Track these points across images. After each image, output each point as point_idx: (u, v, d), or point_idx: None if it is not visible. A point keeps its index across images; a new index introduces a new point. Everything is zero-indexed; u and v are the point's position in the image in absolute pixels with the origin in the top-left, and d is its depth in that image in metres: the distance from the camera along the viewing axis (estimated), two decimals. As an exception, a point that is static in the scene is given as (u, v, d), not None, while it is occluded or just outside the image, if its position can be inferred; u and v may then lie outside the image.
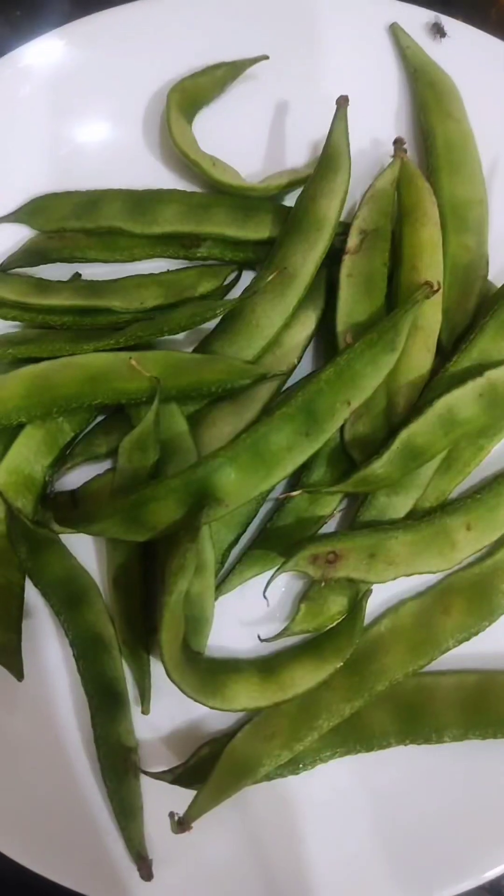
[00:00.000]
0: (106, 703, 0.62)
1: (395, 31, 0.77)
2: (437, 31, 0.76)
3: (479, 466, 0.68)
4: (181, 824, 0.57)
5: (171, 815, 0.57)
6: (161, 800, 0.59)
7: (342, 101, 0.69)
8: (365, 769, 0.63)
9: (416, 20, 0.76)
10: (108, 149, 0.75)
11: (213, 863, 0.61)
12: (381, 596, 0.65)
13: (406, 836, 0.61)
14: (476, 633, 0.64)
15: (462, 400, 0.63)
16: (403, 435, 0.62)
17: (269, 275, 0.65)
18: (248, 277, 0.71)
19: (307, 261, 0.66)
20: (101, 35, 0.76)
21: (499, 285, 0.70)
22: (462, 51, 0.76)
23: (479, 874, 0.61)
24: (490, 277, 0.71)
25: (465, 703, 0.63)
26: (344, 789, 0.62)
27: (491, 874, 0.61)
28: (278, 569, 0.61)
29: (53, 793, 0.61)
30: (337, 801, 0.62)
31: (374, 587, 0.63)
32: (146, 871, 0.59)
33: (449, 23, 0.76)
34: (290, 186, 0.72)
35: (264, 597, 0.62)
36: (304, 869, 0.60)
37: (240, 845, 0.61)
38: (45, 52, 0.75)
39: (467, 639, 0.63)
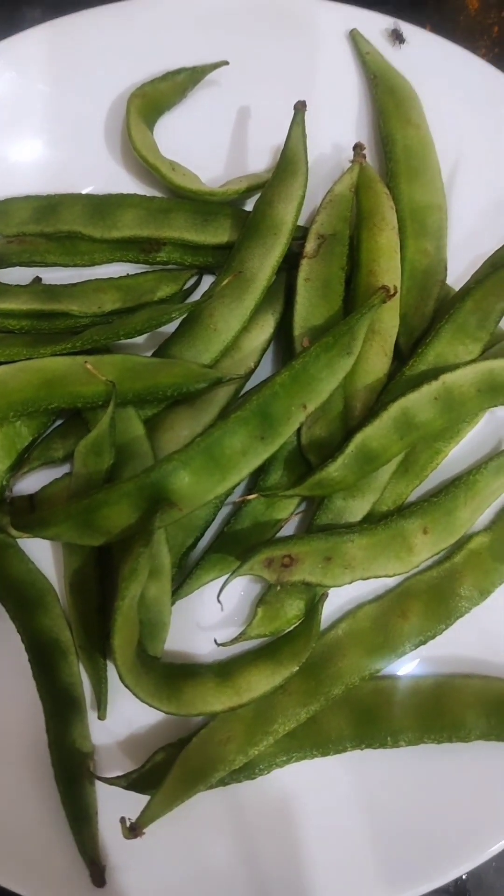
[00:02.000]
0: (61, 708, 0.62)
1: (354, 37, 0.77)
2: (397, 37, 0.76)
3: (437, 470, 0.68)
4: (133, 830, 0.56)
5: (123, 820, 0.57)
6: (119, 806, 0.58)
7: (300, 106, 0.69)
8: (317, 772, 0.62)
9: (376, 26, 0.77)
10: (69, 154, 0.75)
11: (168, 869, 0.60)
12: (338, 600, 0.66)
13: (372, 838, 0.62)
14: (433, 637, 0.64)
15: (417, 403, 0.63)
16: (358, 438, 0.62)
17: (225, 278, 0.65)
18: (207, 282, 0.71)
19: (264, 265, 0.66)
20: (64, 39, 0.76)
21: (457, 290, 0.71)
22: (421, 57, 0.77)
23: (441, 876, 0.61)
24: (449, 282, 0.72)
25: (421, 707, 0.63)
26: (296, 793, 0.62)
27: (453, 875, 0.61)
28: (232, 573, 0.61)
29: (5, 797, 0.61)
30: (290, 806, 0.62)
31: (332, 591, 0.64)
32: (98, 877, 0.58)
33: (408, 29, 0.77)
34: (249, 191, 0.72)
35: (218, 601, 0.62)
36: (256, 875, 0.60)
37: (194, 851, 0.61)
38: (8, 54, 0.75)
39: (424, 642, 0.64)
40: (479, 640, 0.65)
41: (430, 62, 0.77)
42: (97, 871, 0.58)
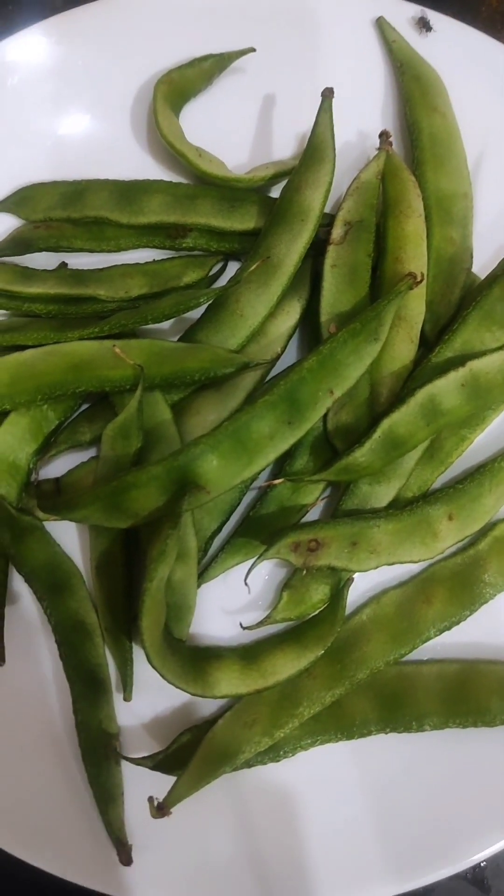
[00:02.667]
0: (88, 690, 0.62)
1: (381, 25, 0.77)
2: (424, 25, 0.76)
3: (463, 457, 0.68)
4: (160, 809, 0.57)
5: (151, 799, 0.57)
6: (144, 786, 0.59)
7: (327, 93, 0.69)
8: (350, 756, 0.63)
9: (403, 14, 0.77)
10: (96, 140, 0.75)
11: (195, 849, 0.61)
12: (363, 585, 0.66)
13: (391, 822, 0.62)
14: (458, 623, 0.64)
15: (444, 390, 0.63)
16: (385, 424, 0.62)
17: (252, 264, 0.65)
18: (233, 268, 0.72)
19: (291, 251, 0.66)
20: (90, 27, 0.76)
21: (483, 277, 0.70)
22: (448, 45, 0.77)
23: (460, 861, 0.61)
24: (475, 270, 0.72)
25: (446, 691, 0.63)
26: (326, 776, 0.63)
27: (472, 860, 0.61)
28: (259, 556, 0.61)
29: (34, 777, 0.62)
30: (322, 788, 0.62)
31: (357, 576, 0.64)
32: (125, 856, 0.59)
33: (435, 17, 0.77)
34: (275, 178, 0.72)
35: (245, 584, 0.62)
36: (285, 854, 0.61)
37: (221, 832, 0.61)
38: (34, 44, 0.76)
39: (449, 628, 0.64)
40: (503, 626, 0.66)
41: (457, 51, 0.77)
42: (124, 850, 0.59)
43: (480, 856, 0.61)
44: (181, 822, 0.59)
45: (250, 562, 0.63)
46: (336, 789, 0.63)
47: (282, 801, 0.62)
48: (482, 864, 0.71)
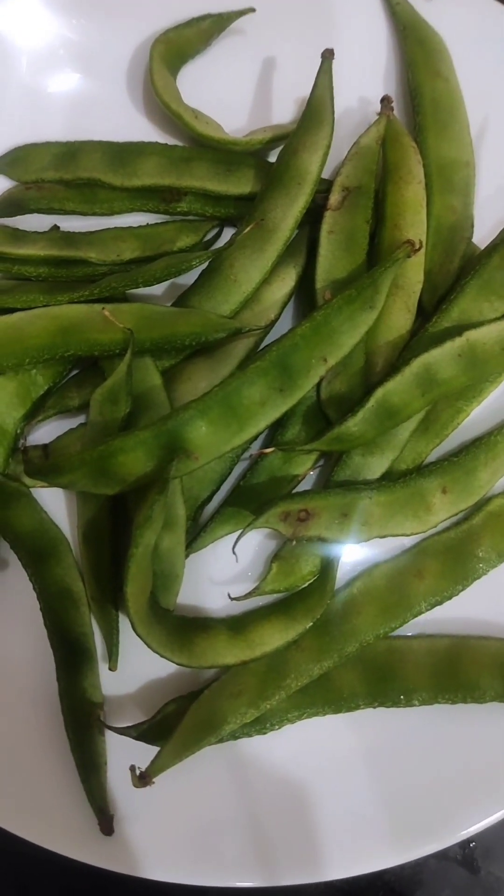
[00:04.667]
0: (72, 658, 0.61)
1: (385, -12, 0.76)
2: (428, -13, 0.75)
3: (458, 430, 0.67)
4: (142, 779, 0.56)
5: (133, 768, 0.56)
6: (131, 758, 0.58)
7: (327, 54, 0.68)
8: (337, 730, 0.62)
9: (407, -24, 0.75)
10: (89, 100, 0.74)
11: (179, 821, 0.60)
12: (354, 558, 0.65)
13: (379, 796, 0.61)
14: (449, 598, 0.63)
15: (440, 360, 0.62)
16: (379, 393, 0.61)
17: (247, 227, 0.64)
18: (229, 234, 0.70)
19: (287, 215, 0.64)
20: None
21: (483, 248, 0.69)
22: (452, 9, 0.75)
23: (450, 836, 0.60)
24: (476, 240, 0.70)
25: (436, 667, 0.62)
26: (304, 750, 0.62)
27: (462, 835, 0.61)
28: (248, 525, 0.60)
29: (17, 745, 0.61)
30: (308, 760, 0.62)
31: (347, 549, 0.63)
32: (106, 826, 0.58)
33: (440, -20, 0.75)
34: (273, 141, 0.71)
35: (233, 553, 0.61)
36: (269, 826, 0.60)
37: (206, 803, 0.61)
38: (28, 1, 0.74)
39: (440, 603, 0.63)
40: (495, 602, 0.65)
41: (462, 16, 0.75)
42: (105, 819, 0.58)
43: (469, 831, 0.60)
44: (165, 794, 0.59)
45: (240, 532, 0.62)
46: (322, 763, 0.62)
47: (268, 773, 0.62)
48: (472, 846, 0.70)
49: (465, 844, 0.70)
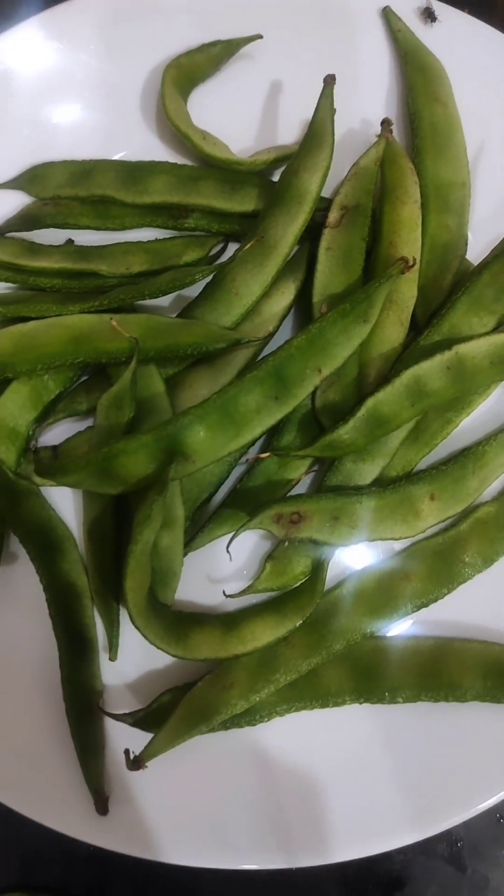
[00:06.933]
0: (75, 647, 0.65)
1: (387, 15, 0.78)
2: (429, 15, 0.78)
3: (448, 440, 0.69)
4: (135, 762, 0.59)
5: (127, 752, 0.59)
6: (128, 745, 0.61)
7: (329, 80, 0.71)
8: (324, 724, 0.65)
9: (408, 4, 0.78)
10: (105, 121, 0.78)
11: (172, 805, 0.63)
12: (344, 559, 0.68)
13: (363, 788, 0.64)
14: (435, 600, 0.65)
15: (430, 372, 0.65)
16: (370, 403, 0.64)
17: (248, 243, 0.67)
18: (233, 249, 0.73)
19: (287, 232, 0.68)
20: (106, 11, 0.78)
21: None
22: (452, 36, 0.78)
23: (431, 828, 0.63)
24: (471, 258, 0.73)
25: (420, 666, 0.65)
26: (300, 741, 0.64)
27: (442, 827, 0.63)
28: (242, 525, 0.63)
29: (21, 728, 0.64)
30: (295, 752, 0.64)
31: (338, 551, 0.66)
32: (102, 806, 0.61)
33: (440, 8, 0.78)
34: (277, 162, 0.74)
35: (227, 552, 0.64)
36: (261, 813, 0.63)
37: (198, 790, 0.63)
38: (53, 25, 0.78)
39: (426, 605, 0.65)
40: (480, 606, 0.67)
41: (461, 42, 0.78)
42: (101, 800, 0.61)
43: (449, 823, 0.63)
44: (160, 779, 0.62)
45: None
46: (309, 755, 0.64)
47: (259, 762, 0.64)
48: (459, 844, 0.72)
49: (452, 843, 0.72)
